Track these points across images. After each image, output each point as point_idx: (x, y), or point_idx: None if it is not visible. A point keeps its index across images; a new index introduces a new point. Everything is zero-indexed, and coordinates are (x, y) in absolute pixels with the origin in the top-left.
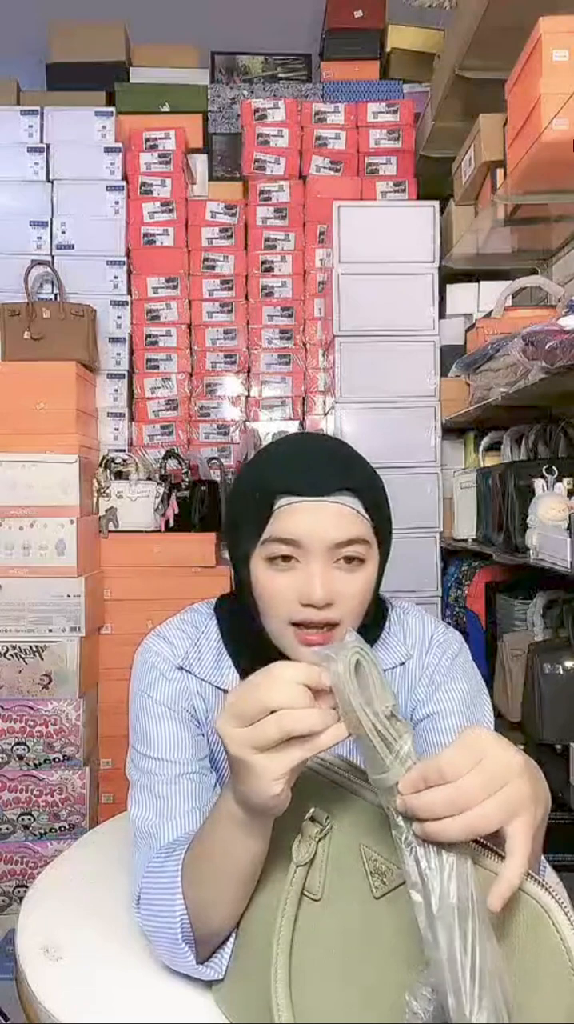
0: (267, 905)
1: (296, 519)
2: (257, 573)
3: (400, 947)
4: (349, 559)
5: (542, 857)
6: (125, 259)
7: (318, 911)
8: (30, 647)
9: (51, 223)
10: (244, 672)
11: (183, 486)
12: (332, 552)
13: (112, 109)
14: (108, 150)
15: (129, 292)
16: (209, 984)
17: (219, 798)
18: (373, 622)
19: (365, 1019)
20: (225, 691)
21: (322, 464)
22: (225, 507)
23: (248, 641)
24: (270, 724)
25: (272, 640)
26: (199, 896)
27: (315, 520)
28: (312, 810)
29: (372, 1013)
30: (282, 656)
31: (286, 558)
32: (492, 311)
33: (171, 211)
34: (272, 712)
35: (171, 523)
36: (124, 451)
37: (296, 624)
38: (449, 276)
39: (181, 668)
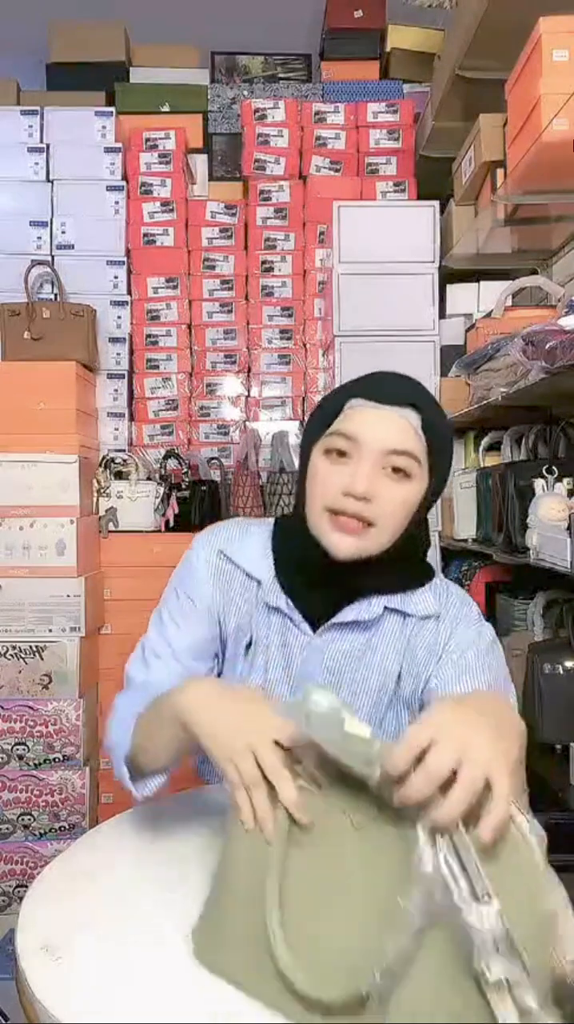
0: (252, 858)
1: (359, 418)
2: (315, 461)
3: (381, 876)
4: (397, 469)
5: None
6: (125, 259)
7: (302, 854)
8: (30, 647)
9: (51, 223)
10: (277, 563)
11: (183, 486)
12: (383, 457)
13: (112, 109)
14: (108, 150)
15: (129, 292)
16: (209, 984)
17: (175, 699)
18: (416, 570)
19: (355, 944)
20: (256, 579)
21: (393, 379)
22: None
23: (293, 541)
24: (245, 763)
25: (310, 530)
26: (139, 743)
27: (375, 423)
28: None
29: (360, 938)
30: (312, 555)
31: (342, 453)
32: (492, 311)
33: (171, 211)
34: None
35: (171, 523)
36: (124, 451)
37: (333, 512)
38: (449, 276)
39: (221, 552)
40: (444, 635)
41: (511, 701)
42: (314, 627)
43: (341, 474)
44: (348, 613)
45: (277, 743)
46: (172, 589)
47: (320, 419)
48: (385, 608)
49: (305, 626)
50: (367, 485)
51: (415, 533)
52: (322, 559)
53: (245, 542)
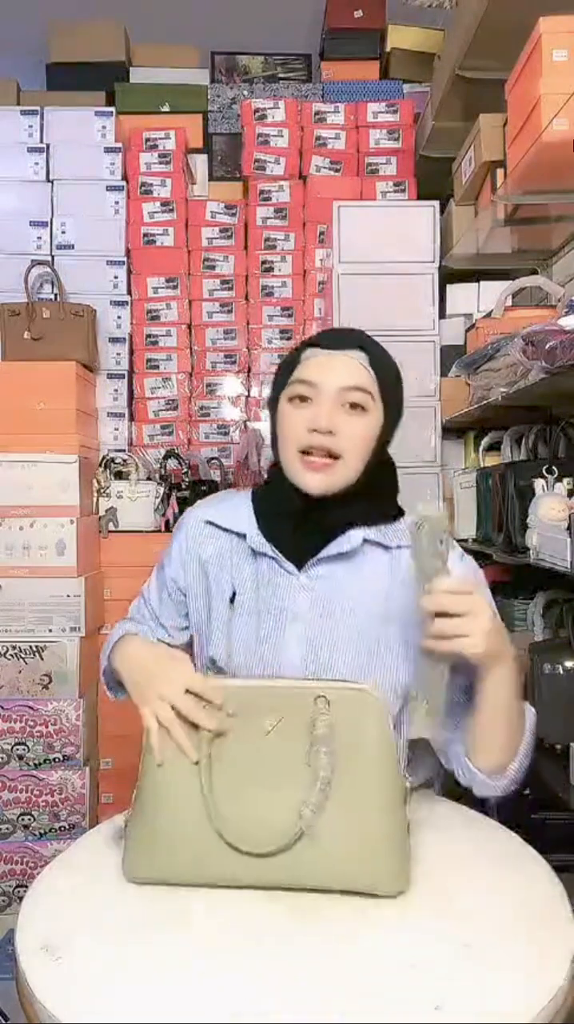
0: (174, 778)
1: (314, 364)
2: (282, 409)
3: (288, 764)
4: (354, 405)
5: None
6: (125, 259)
7: (221, 764)
8: (30, 647)
9: (51, 223)
10: (259, 516)
11: (183, 486)
12: (340, 395)
13: (112, 109)
14: (108, 150)
15: (129, 292)
16: (208, 984)
17: (114, 654)
18: (389, 506)
19: (279, 811)
20: (241, 534)
21: (340, 330)
22: None
23: (273, 493)
24: (162, 710)
25: (285, 473)
26: (113, 669)
27: (329, 366)
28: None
29: (283, 806)
30: (292, 499)
31: (303, 398)
32: (492, 311)
33: (171, 211)
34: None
35: (171, 523)
36: (124, 451)
37: (304, 452)
38: (449, 276)
39: (207, 522)
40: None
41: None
42: (300, 569)
43: (305, 416)
44: (330, 548)
45: (189, 692)
46: (160, 559)
47: (282, 374)
48: (364, 540)
49: (290, 566)
50: (328, 420)
51: (380, 470)
52: (300, 500)
53: (228, 505)
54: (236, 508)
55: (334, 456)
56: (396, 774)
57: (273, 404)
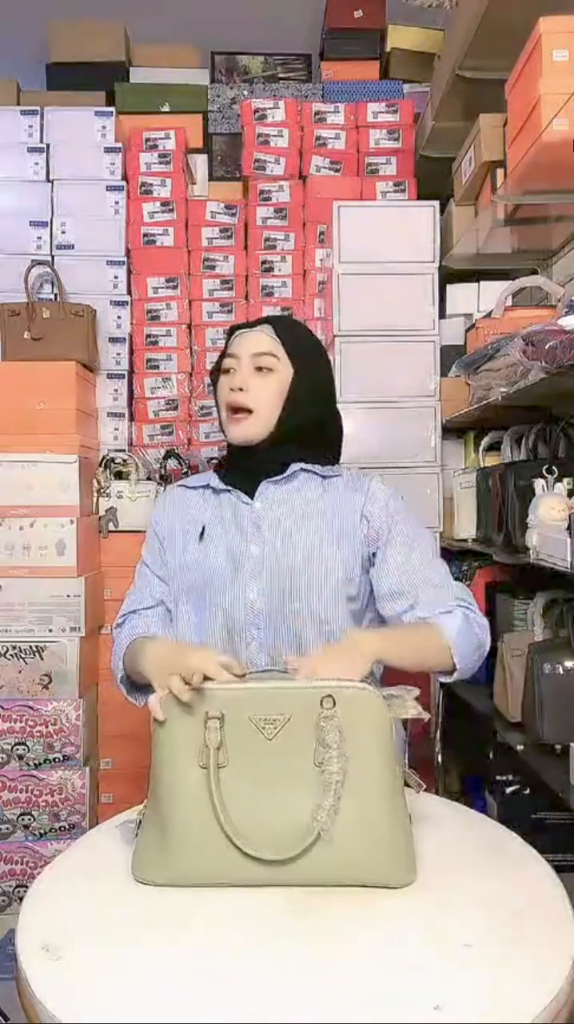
0: (186, 793)
1: (234, 342)
2: (218, 381)
3: (295, 766)
4: (260, 368)
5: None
6: (125, 259)
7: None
8: (30, 647)
9: (51, 223)
10: (219, 472)
11: None
12: (251, 360)
13: (112, 109)
14: (108, 150)
15: (129, 292)
16: (208, 984)
17: (153, 646)
18: (322, 451)
19: (293, 816)
20: (207, 485)
21: (260, 317)
22: None
23: (227, 454)
24: (173, 682)
25: (223, 428)
26: (129, 669)
27: (243, 340)
28: (207, 711)
29: (295, 810)
30: (235, 450)
31: (228, 370)
32: (492, 311)
33: (171, 211)
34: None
35: None
36: (124, 451)
37: (230, 410)
38: (449, 276)
39: (181, 486)
40: (379, 518)
41: (425, 537)
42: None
43: (226, 383)
44: (273, 476)
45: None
46: (142, 553)
47: (223, 351)
48: (301, 469)
49: (246, 498)
50: (242, 380)
51: (316, 423)
52: (240, 450)
53: (196, 476)
54: (203, 475)
55: (248, 410)
56: (396, 770)
57: (215, 382)
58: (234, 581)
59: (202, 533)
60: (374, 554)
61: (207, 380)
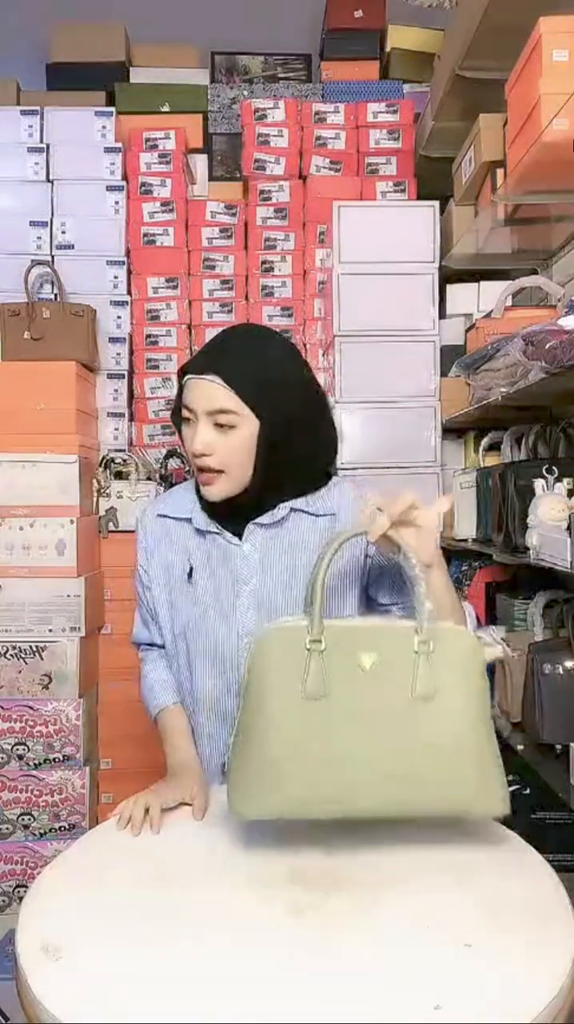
0: (286, 723)
1: (187, 391)
2: (182, 430)
3: (391, 696)
4: (219, 425)
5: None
6: (125, 259)
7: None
8: (30, 647)
9: (51, 223)
10: (202, 502)
11: None
12: (209, 417)
13: (112, 109)
14: (108, 150)
15: (129, 292)
16: (208, 984)
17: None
18: (311, 479)
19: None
20: (187, 519)
21: (206, 351)
22: None
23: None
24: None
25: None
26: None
27: (197, 392)
28: (307, 640)
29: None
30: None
31: (187, 420)
32: (492, 311)
33: (171, 211)
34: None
35: None
36: (124, 451)
37: (197, 469)
38: (449, 276)
39: (159, 515)
40: (380, 554)
41: None
42: (240, 539)
43: (189, 437)
44: (263, 518)
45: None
46: (137, 572)
47: (178, 393)
48: (291, 509)
49: (234, 539)
50: (203, 445)
51: (286, 462)
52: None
53: (174, 498)
54: (182, 498)
55: (217, 470)
56: (487, 704)
57: (177, 425)
58: (225, 625)
59: (190, 573)
60: (370, 572)
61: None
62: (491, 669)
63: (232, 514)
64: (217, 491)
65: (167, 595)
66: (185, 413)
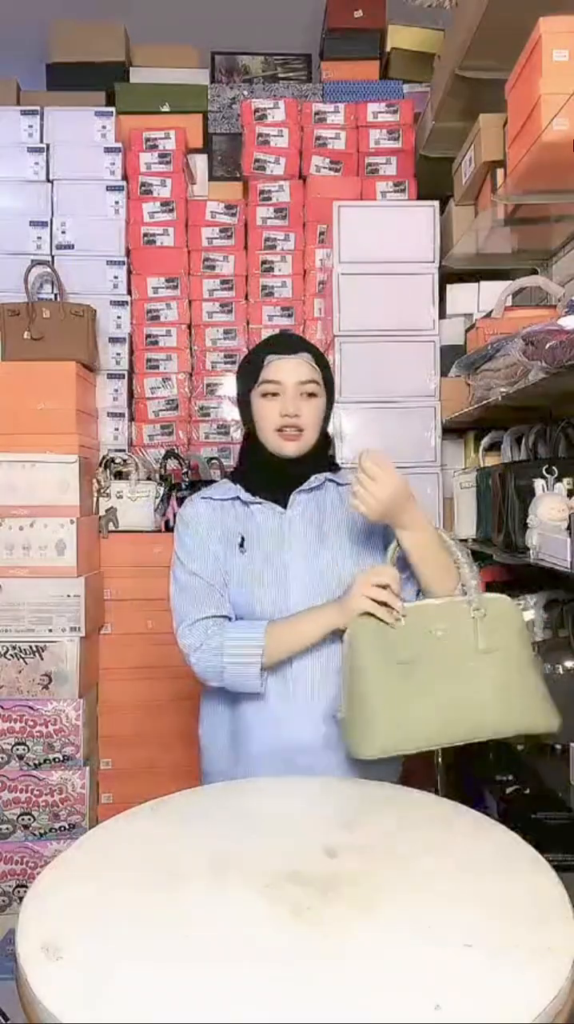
0: (383, 681)
1: (277, 368)
2: (256, 404)
3: (458, 655)
4: (309, 394)
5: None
6: (125, 259)
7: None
8: (30, 647)
9: (51, 223)
10: (245, 484)
11: (183, 486)
12: (299, 387)
13: (112, 109)
14: (108, 150)
15: (129, 292)
16: (208, 983)
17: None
18: (330, 460)
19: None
20: (235, 498)
21: (290, 337)
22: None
23: (256, 462)
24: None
25: (267, 448)
26: (270, 654)
27: (288, 368)
28: (394, 615)
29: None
30: (271, 462)
31: (273, 394)
32: (492, 311)
33: (171, 211)
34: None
35: (171, 523)
36: (124, 451)
37: (278, 430)
38: (449, 276)
39: (205, 499)
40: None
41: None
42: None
43: (276, 405)
44: (305, 485)
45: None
46: (176, 552)
47: (249, 374)
48: (326, 479)
49: (278, 508)
50: (294, 407)
51: (324, 437)
52: (279, 461)
53: (213, 489)
54: (221, 486)
55: (300, 429)
56: (530, 647)
57: (244, 398)
58: (275, 587)
59: (242, 543)
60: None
61: (206, 381)
62: None
63: (278, 485)
64: (296, 447)
65: (224, 564)
66: (272, 388)
